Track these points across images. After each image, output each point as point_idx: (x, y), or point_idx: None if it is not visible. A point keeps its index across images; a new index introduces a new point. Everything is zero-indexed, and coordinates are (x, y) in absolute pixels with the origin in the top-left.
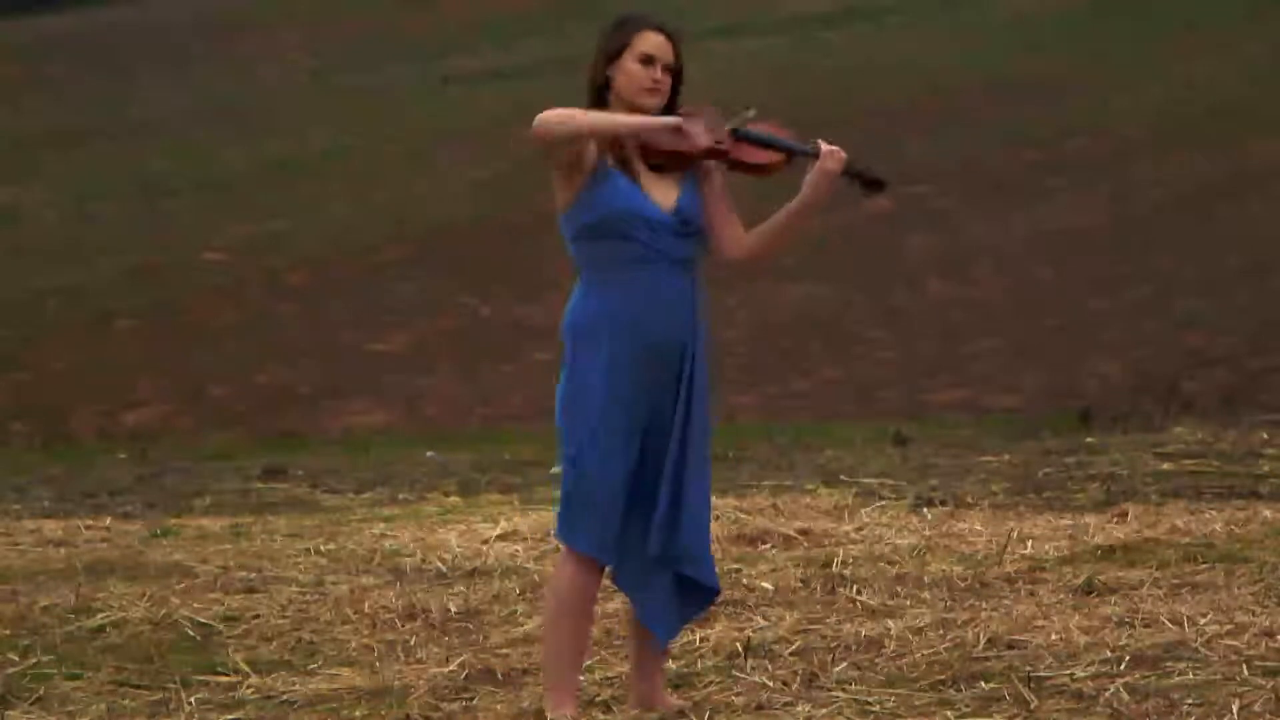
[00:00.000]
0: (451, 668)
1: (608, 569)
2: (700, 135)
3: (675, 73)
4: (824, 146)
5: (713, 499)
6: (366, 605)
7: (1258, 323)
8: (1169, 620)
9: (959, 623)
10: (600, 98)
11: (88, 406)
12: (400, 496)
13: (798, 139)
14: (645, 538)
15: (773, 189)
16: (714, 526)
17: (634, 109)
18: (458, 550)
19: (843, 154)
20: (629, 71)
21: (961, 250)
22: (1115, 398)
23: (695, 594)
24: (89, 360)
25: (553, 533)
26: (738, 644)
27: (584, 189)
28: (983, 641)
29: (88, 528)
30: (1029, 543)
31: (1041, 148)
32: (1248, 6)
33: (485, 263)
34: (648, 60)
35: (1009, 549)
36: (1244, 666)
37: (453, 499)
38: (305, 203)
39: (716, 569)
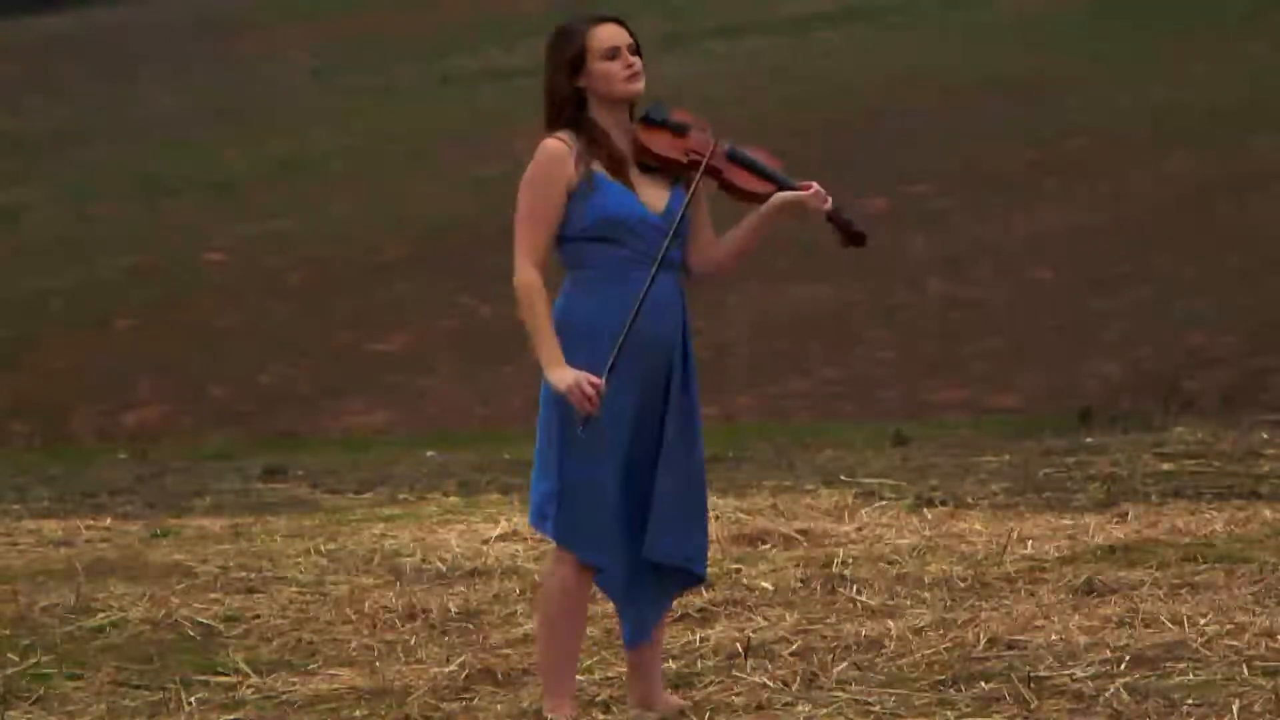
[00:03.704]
0: (451, 668)
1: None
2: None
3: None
4: (814, 186)
5: (713, 499)
6: (366, 605)
7: (1258, 323)
8: (1169, 620)
9: (959, 623)
10: (577, 111)
11: (88, 406)
12: (400, 496)
13: (785, 172)
14: (634, 541)
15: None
16: (714, 526)
17: (620, 101)
18: (458, 550)
19: (828, 198)
20: (601, 72)
21: (961, 250)
22: (1115, 398)
23: (676, 578)
24: (89, 360)
25: (535, 527)
26: (738, 644)
27: (574, 202)
28: (983, 641)
29: (88, 528)
30: (1029, 543)
31: (1041, 148)
32: (1247, 7)
33: (485, 263)
34: (614, 52)
35: (1009, 549)
36: (1244, 666)
37: (453, 499)
38: (305, 203)
39: (716, 569)
